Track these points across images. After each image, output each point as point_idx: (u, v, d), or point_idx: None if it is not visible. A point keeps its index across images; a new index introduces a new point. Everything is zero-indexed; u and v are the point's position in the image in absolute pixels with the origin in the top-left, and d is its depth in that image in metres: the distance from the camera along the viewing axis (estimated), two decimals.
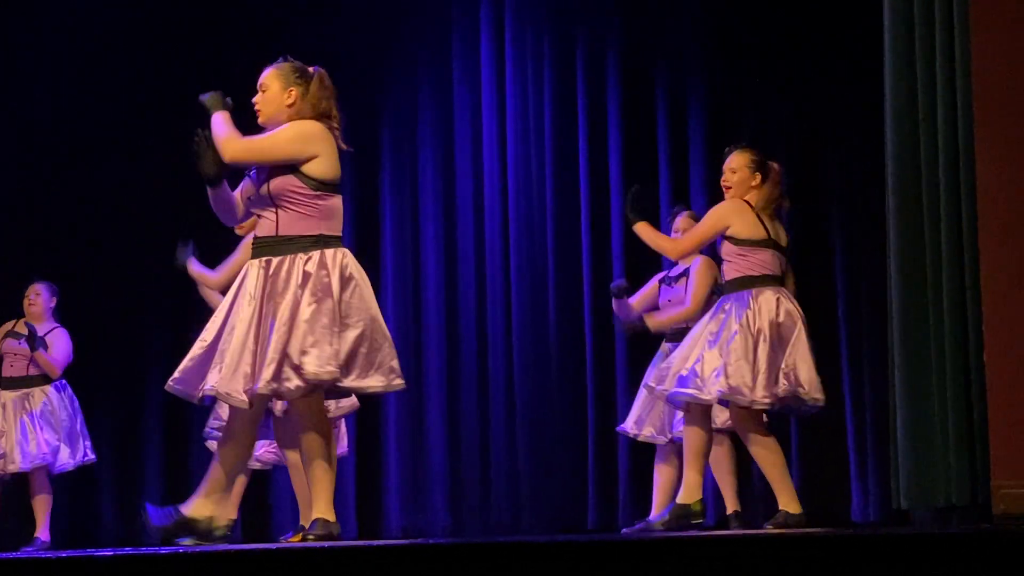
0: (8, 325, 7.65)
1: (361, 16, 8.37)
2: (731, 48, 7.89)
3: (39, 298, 7.63)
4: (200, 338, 4.77)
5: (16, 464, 7.39)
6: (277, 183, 4.74)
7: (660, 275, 6.89)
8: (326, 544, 4.35)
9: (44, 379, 7.55)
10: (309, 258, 4.69)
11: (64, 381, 7.61)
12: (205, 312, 7.77)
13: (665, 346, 6.64)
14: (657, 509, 6.48)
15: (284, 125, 4.82)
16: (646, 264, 7.26)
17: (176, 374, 4.77)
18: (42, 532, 7.47)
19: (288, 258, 4.71)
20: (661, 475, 6.61)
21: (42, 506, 7.51)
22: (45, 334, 7.56)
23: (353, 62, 8.17)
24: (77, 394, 7.79)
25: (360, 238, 8.09)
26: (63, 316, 7.77)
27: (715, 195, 7.61)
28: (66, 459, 7.50)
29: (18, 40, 8.36)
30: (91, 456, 7.60)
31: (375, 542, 4.58)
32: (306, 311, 4.64)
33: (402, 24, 8.43)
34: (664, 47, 8.06)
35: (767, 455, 5.79)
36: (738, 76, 7.88)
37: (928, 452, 5.11)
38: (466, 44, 8.40)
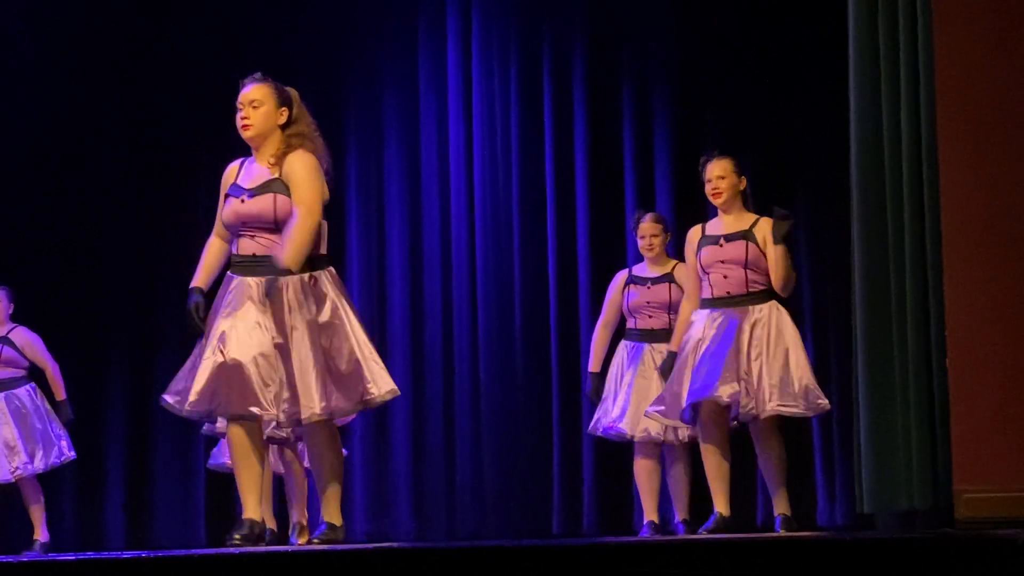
0: None
1: (326, 19, 8.34)
2: (697, 51, 7.91)
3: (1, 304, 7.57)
4: (204, 358, 4.80)
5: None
6: (283, 209, 4.82)
7: (616, 282, 6.84)
8: (289, 549, 4.33)
9: (13, 382, 7.48)
10: (312, 279, 4.81)
11: (34, 384, 7.54)
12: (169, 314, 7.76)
13: (648, 349, 6.64)
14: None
15: (298, 165, 4.84)
16: (611, 267, 7.26)
17: (193, 396, 4.79)
18: (41, 534, 7.43)
19: (291, 279, 4.78)
20: (655, 479, 6.66)
21: (37, 510, 7.45)
22: (7, 333, 7.50)
23: (317, 65, 8.15)
24: (83, 389, 7.85)
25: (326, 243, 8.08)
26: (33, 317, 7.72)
27: (681, 196, 7.66)
28: (39, 463, 7.43)
29: (15, 40, 8.30)
30: (69, 454, 7.53)
31: (339, 547, 4.57)
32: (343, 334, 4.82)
33: (367, 26, 8.40)
34: (630, 49, 8.07)
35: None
36: (704, 79, 7.90)
37: (891, 457, 5.13)
38: (432, 46, 8.38)
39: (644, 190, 7.91)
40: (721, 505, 6.02)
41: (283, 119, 4.90)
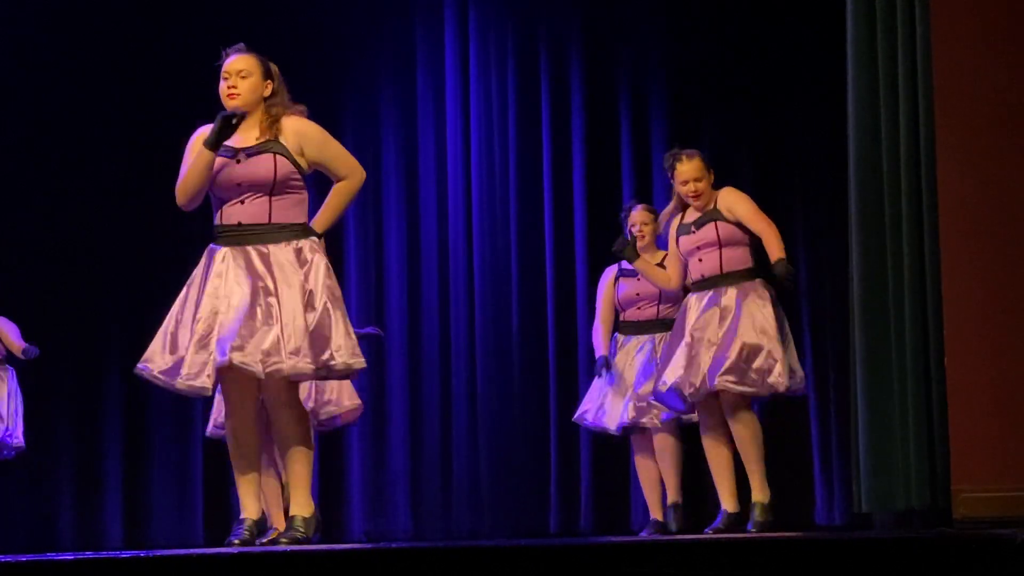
0: None
1: (324, 19, 8.34)
2: (694, 50, 7.91)
3: None
4: (192, 332, 4.71)
5: None
6: (284, 169, 4.76)
7: (607, 277, 6.85)
8: (287, 548, 4.33)
9: None
10: (302, 246, 4.74)
11: (12, 369, 7.56)
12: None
13: (636, 341, 6.66)
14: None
15: (311, 129, 4.83)
16: (608, 266, 7.25)
17: (187, 370, 4.69)
18: None
19: (282, 245, 4.72)
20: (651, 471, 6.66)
21: None
22: None
23: (315, 65, 8.15)
24: (73, 391, 7.82)
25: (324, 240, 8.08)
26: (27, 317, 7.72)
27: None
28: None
29: (15, 39, 8.29)
30: (19, 441, 7.53)
31: (337, 546, 4.57)
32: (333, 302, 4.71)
33: (365, 25, 8.40)
34: (627, 48, 8.07)
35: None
36: (701, 80, 7.90)
37: (889, 456, 5.13)
38: (429, 46, 8.38)
39: (641, 190, 7.91)
40: (727, 502, 6.01)
41: (267, 91, 4.85)
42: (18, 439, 7.51)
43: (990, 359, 4.68)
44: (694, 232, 6.03)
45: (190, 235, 8.18)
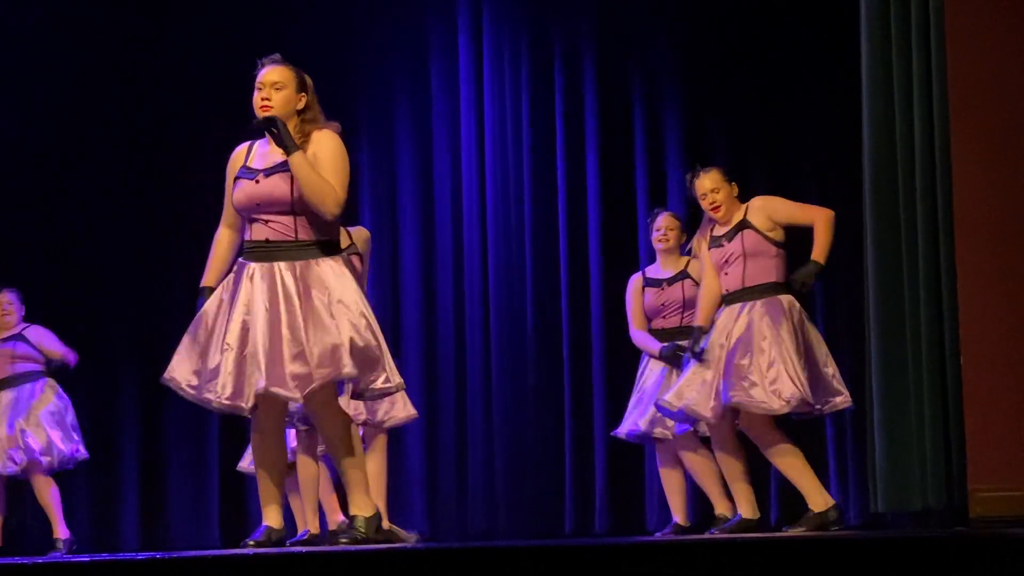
0: None
1: (338, 20, 8.35)
2: (707, 53, 7.91)
3: (12, 307, 7.56)
4: (224, 347, 4.70)
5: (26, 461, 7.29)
6: (301, 190, 4.72)
7: (634, 285, 6.79)
8: (304, 549, 4.34)
9: (35, 375, 7.48)
10: (329, 263, 4.73)
11: (48, 380, 7.55)
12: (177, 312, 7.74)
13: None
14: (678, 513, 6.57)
15: (327, 143, 4.77)
16: (623, 269, 7.26)
17: (224, 390, 4.69)
18: (61, 531, 7.38)
19: (312, 262, 4.71)
20: (672, 478, 6.63)
21: (51, 503, 7.37)
22: (21, 331, 7.51)
23: (330, 68, 8.15)
24: (89, 392, 7.86)
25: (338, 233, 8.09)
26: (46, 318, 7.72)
27: (692, 199, 7.65)
28: (52, 460, 7.42)
29: (15, 39, 8.30)
30: (82, 454, 7.52)
31: (353, 547, 4.57)
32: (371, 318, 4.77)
33: (379, 29, 8.42)
34: (640, 51, 8.07)
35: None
36: (715, 82, 7.89)
37: (905, 456, 5.12)
38: (444, 49, 8.39)
39: (655, 193, 7.91)
40: (744, 508, 6.00)
41: (301, 104, 4.82)
42: (82, 452, 7.50)
43: (1005, 359, 4.67)
44: (724, 245, 5.96)
45: (201, 238, 8.26)
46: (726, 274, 5.95)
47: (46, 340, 7.52)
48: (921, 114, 5.11)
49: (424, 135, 8.37)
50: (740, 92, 7.82)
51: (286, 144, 4.70)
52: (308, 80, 4.90)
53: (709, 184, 6.00)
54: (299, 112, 4.83)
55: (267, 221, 4.74)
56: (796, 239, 5.98)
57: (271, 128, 4.72)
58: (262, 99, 4.80)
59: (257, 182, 4.76)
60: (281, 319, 4.65)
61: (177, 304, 8.24)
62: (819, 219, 5.78)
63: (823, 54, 7.43)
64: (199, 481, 8.24)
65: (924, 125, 5.09)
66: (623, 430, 6.60)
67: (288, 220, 4.72)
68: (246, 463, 6.72)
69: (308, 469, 6.22)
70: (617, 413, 6.98)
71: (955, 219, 4.83)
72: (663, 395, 6.03)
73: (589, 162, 8.11)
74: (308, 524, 6.29)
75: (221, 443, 8.15)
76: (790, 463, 5.79)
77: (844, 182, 6.90)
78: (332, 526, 6.25)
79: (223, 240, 4.95)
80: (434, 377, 8.20)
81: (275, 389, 4.61)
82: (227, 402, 4.68)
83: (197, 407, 7.81)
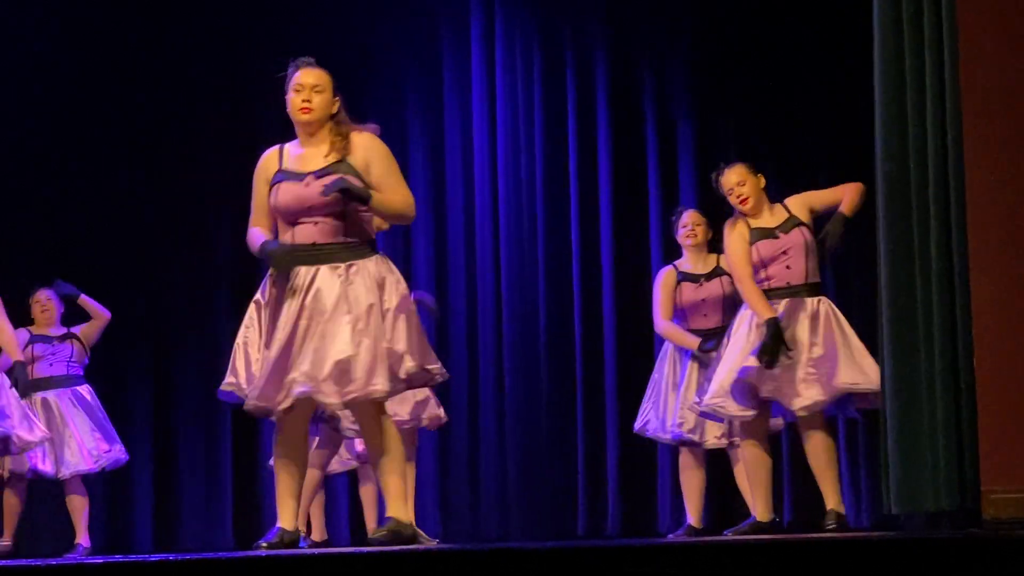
0: (23, 337, 7.50)
1: (350, 24, 8.36)
2: (720, 56, 7.91)
3: (52, 303, 7.55)
4: (264, 350, 4.71)
5: (73, 467, 7.26)
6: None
7: (665, 279, 6.73)
8: (317, 551, 4.34)
9: (75, 379, 7.48)
10: (375, 262, 4.76)
11: (89, 386, 7.55)
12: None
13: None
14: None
15: (376, 150, 4.82)
16: (635, 270, 7.26)
17: (253, 392, 4.69)
18: (83, 538, 7.39)
19: (358, 263, 4.73)
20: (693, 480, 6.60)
21: (79, 510, 7.41)
22: (69, 331, 7.51)
23: (341, 70, 8.12)
24: (108, 395, 7.86)
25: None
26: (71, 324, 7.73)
27: (705, 199, 7.66)
28: (122, 454, 7.43)
29: (15, 39, 8.32)
30: (123, 456, 7.52)
31: (364, 549, 4.57)
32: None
33: (391, 31, 8.43)
34: (652, 53, 8.08)
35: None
36: (726, 83, 7.89)
37: (918, 457, 5.10)
38: (456, 52, 8.40)
39: (667, 192, 7.91)
40: (763, 510, 5.98)
41: (335, 108, 4.87)
42: (122, 454, 7.48)
43: (1019, 358, 4.65)
44: (780, 237, 5.90)
45: (208, 240, 8.29)
46: (788, 267, 5.88)
47: (97, 307, 7.52)
48: (934, 116, 5.09)
49: (436, 138, 8.39)
50: (752, 95, 7.82)
51: (363, 196, 4.71)
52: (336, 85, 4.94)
53: (735, 178, 5.96)
54: (331, 116, 4.87)
55: (315, 223, 4.74)
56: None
57: (346, 193, 4.70)
58: (302, 101, 4.83)
59: (307, 184, 4.75)
60: (330, 325, 4.65)
61: (188, 306, 8.28)
62: (849, 190, 5.90)
63: (835, 56, 7.44)
64: (212, 483, 8.26)
65: (937, 127, 5.08)
66: (663, 431, 6.51)
67: (336, 222, 4.74)
68: None
69: (311, 475, 6.24)
70: (629, 416, 6.99)
71: (968, 220, 4.81)
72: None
73: (601, 164, 8.12)
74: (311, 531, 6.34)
75: (234, 445, 8.16)
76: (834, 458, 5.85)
77: (858, 179, 6.89)
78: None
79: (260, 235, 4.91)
80: (447, 381, 8.18)
81: (316, 395, 4.64)
82: (256, 404, 4.71)
83: (211, 407, 7.88)
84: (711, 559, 3.60)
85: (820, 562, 3.54)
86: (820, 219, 5.93)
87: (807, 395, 5.71)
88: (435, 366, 4.86)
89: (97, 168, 8.38)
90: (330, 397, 4.66)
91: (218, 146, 8.22)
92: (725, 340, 5.94)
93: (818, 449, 5.83)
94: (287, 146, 4.90)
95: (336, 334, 4.65)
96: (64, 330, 7.51)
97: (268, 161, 4.88)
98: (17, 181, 8.29)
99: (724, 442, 6.43)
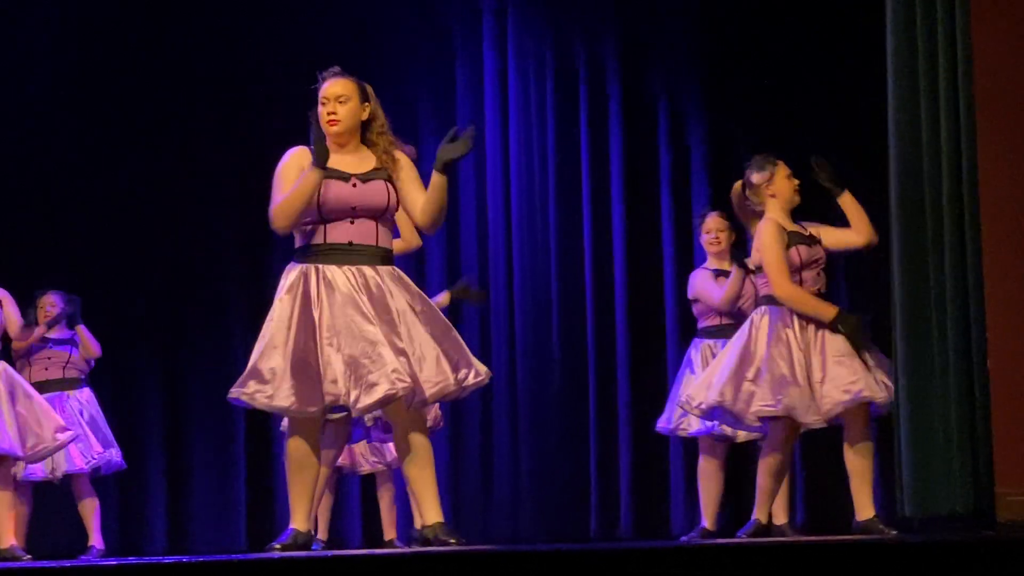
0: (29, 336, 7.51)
1: (362, 32, 8.36)
2: (731, 59, 7.90)
3: (55, 309, 7.55)
4: (290, 352, 4.69)
5: (63, 468, 7.25)
6: (395, 201, 4.88)
7: (705, 279, 6.70)
8: (329, 553, 4.34)
9: (79, 381, 7.49)
10: (397, 272, 4.87)
11: (88, 386, 7.56)
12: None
13: (705, 344, 6.61)
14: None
15: (413, 170, 4.98)
16: (648, 274, 7.25)
17: (289, 395, 4.67)
18: (96, 539, 7.39)
19: (388, 268, 4.85)
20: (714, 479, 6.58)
21: (90, 512, 7.42)
22: (70, 338, 7.52)
23: (353, 71, 8.16)
24: (119, 397, 7.85)
25: None
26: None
27: (717, 202, 7.66)
28: (118, 459, 7.43)
29: (19, 41, 8.33)
30: (119, 463, 7.53)
31: (377, 551, 4.58)
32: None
33: (403, 37, 8.42)
34: (664, 58, 8.08)
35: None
36: (738, 88, 7.88)
37: (932, 460, 5.09)
38: (468, 54, 8.40)
39: (679, 194, 7.91)
40: (765, 512, 5.97)
41: (365, 115, 4.92)
42: (116, 458, 7.48)
43: None
44: (816, 247, 5.86)
45: (225, 244, 8.29)
46: (819, 274, 5.82)
47: (91, 341, 7.53)
48: (947, 119, 5.08)
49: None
50: (764, 98, 7.81)
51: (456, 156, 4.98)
52: (369, 89, 4.98)
53: (759, 178, 5.93)
54: (365, 123, 4.90)
55: (352, 222, 4.79)
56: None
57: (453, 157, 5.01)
58: (328, 113, 4.86)
59: (354, 186, 4.80)
60: (360, 330, 4.68)
61: (201, 306, 8.28)
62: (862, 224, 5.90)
63: (848, 59, 7.41)
64: (225, 485, 8.26)
65: (950, 131, 5.07)
66: (702, 425, 6.49)
67: (372, 225, 4.81)
68: None
69: (321, 474, 6.27)
70: (643, 417, 6.98)
71: (982, 223, 4.81)
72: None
73: (613, 168, 8.11)
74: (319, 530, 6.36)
75: (248, 448, 8.17)
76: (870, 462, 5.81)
77: (869, 188, 6.88)
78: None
79: None
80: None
81: (344, 399, 4.66)
82: (268, 403, 4.70)
83: (224, 409, 7.89)
84: (725, 561, 3.59)
85: (834, 565, 3.54)
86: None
87: (822, 403, 5.67)
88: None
89: (104, 167, 8.36)
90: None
91: (229, 146, 8.22)
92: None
93: (855, 462, 5.82)
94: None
95: (350, 342, 4.68)
96: (67, 334, 7.50)
97: (301, 157, 4.88)
98: (24, 182, 8.29)
99: (757, 435, 6.40)
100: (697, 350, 6.70)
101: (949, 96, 5.08)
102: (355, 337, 4.66)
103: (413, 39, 8.43)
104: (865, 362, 5.67)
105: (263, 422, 7.76)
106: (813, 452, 7.55)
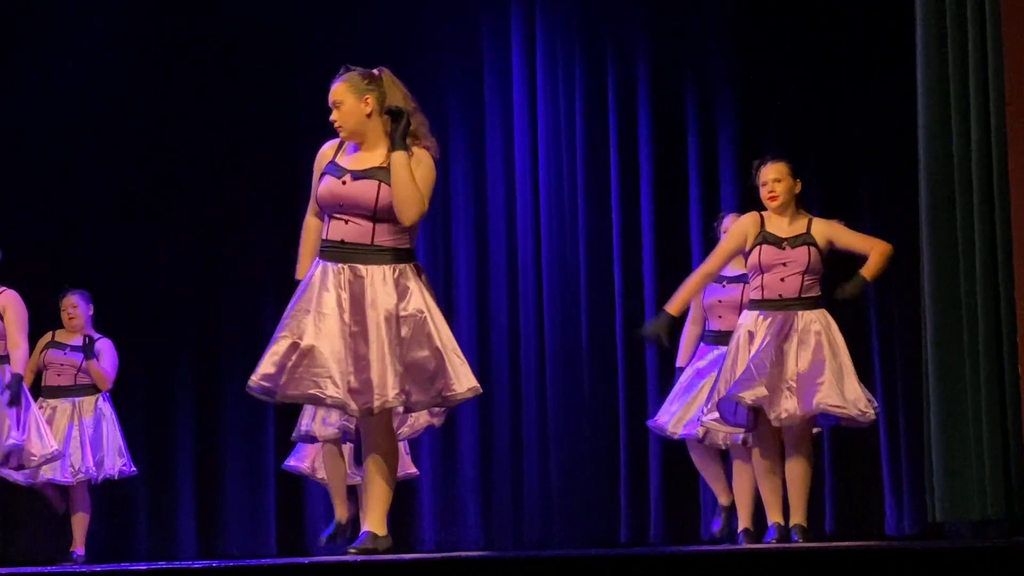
0: (46, 337, 7.55)
1: (391, 29, 8.37)
2: (761, 60, 7.89)
3: (77, 310, 7.55)
4: (298, 343, 4.73)
5: (56, 473, 7.27)
6: (385, 199, 4.79)
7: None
8: (359, 558, 4.35)
9: (94, 388, 7.50)
10: (396, 271, 4.80)
11: (107, 393, 7.56)
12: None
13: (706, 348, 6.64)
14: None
15: (423, 161, 4.89)
16: (677, 273, 7.23)
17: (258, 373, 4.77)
18: (78, 547, 7.43)
19: (383, 267, 4.79)
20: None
21: (80, 521, 7.46)
22: (75, 347, 7.51)
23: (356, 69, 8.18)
24: (150, 402, 7.94)
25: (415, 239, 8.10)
26: (101, 325, 7.74)
27: (746, 201, 7.65)
28: (110, 469, 7.43)
29: (39, 44, 8.37)
30: (132, 469, 7.54)
31: (408, 556, 4.59)
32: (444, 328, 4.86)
33: (431, 34, 8.42)
34: (693, 55, 8.06)
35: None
36: (768, 88, 7.87)
37: (963, 465, 5.08)
38: (496, 54, 8.40)
39: (708, 195, 7.90)
40: (748, 518, 6.02)
41: (369, 108, 4.88)
42: (111, 470, 7.50)
43: None
44: (787, 250, 5.91)
45: (256, 248, 8.32)
46: (782, 280, 5.90)
47: (105, 355, 7.52)
48: (978, 125, 5.07)
49: (476, 141, 8.39)
50: (795, 98, 7.79)
51: (394, 140, 4.80)
52: (386, 76, 4.94)
53: (773, 174, 5.96)
54: (381, 111, 4.87)
55: (346, 221, 4.80)
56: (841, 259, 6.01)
57: (397, 117, 4.83)
58: (332, 121, 4.90)
59: (344, 183, 4.81)
60: (350, 332, 4.72)
61: (232, 312, 8.31)
62: (877, 247, 5.92)
63: (878, 62, 7.40)
64: (255, 489, 8.28)
65: (981, 137, 5.05)
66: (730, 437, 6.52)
67: (367, 224, 4.79)
68: (294, 462, 6.88)
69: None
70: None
71: (1013, 220, 4.79)
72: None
73: (642, 167, 8.10)
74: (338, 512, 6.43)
75: (277, 451, 8.19)
76: (809, 474, 5.92)
77: (899, 192, 6.86)
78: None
79: (311, 229, 4.99)
80: (489, 386, 8.20)
81: (313, 392, 4.71)
82: (255, 384, 4.79)
83: (254, 412, 7.92)
84: (750, 566, 3.59)
85: (866, 570, 3.53)
86: (835, 252, 5.94)
87: (784, 407, 5.77)
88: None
89: (132, 171, 8.40)
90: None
91: (264, 150, 8.26)
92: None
93: (796, 470, 5.89)
94: (348, 143, 4.94)
95: (340, 344, 4.72)
96: (86, 339, 7.49)
97: (325, 152, 4.94)
98: (57, 182, 8.33)
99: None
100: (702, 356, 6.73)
101: (979, 101, 5.07)
102: (323, 335, 4.70)
103: (442, 38, 8.43)
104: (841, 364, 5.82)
105: (293, 426, 7.78)
106: (843, 459, 7.54)
